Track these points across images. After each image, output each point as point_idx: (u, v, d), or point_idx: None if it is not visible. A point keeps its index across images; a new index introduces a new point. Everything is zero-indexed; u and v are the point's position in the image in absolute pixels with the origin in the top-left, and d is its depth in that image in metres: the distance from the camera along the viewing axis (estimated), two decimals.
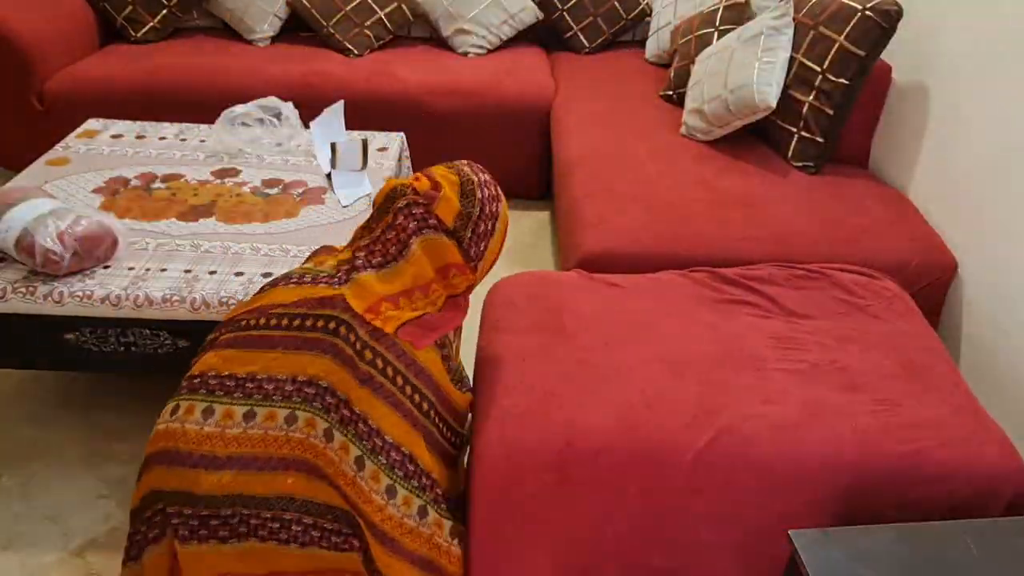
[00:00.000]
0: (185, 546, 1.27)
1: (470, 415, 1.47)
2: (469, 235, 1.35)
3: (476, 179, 1.37)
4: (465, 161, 1.42)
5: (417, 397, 1.31)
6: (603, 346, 1.55)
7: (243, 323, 1.34)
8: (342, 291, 1.31)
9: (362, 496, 1.23)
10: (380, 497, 1.24)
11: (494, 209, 1.38)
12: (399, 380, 1.29)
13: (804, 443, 1.38)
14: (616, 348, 1.55)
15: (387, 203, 1.36)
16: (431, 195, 1.34)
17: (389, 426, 1.26)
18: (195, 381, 1.32)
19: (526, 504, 1.35)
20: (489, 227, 1.38)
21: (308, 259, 1.54)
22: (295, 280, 1.37)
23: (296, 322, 1.30)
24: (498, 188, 1.42)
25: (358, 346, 1.27)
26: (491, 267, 1.43)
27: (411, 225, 1.33)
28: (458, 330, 1.57)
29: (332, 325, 1.27)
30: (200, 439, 1.26)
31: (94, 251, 1.71)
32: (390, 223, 1.35)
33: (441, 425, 1.36)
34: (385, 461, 1.25)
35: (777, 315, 1.69)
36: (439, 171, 1.38)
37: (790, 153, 2.40)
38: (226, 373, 1.30)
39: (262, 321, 1.32)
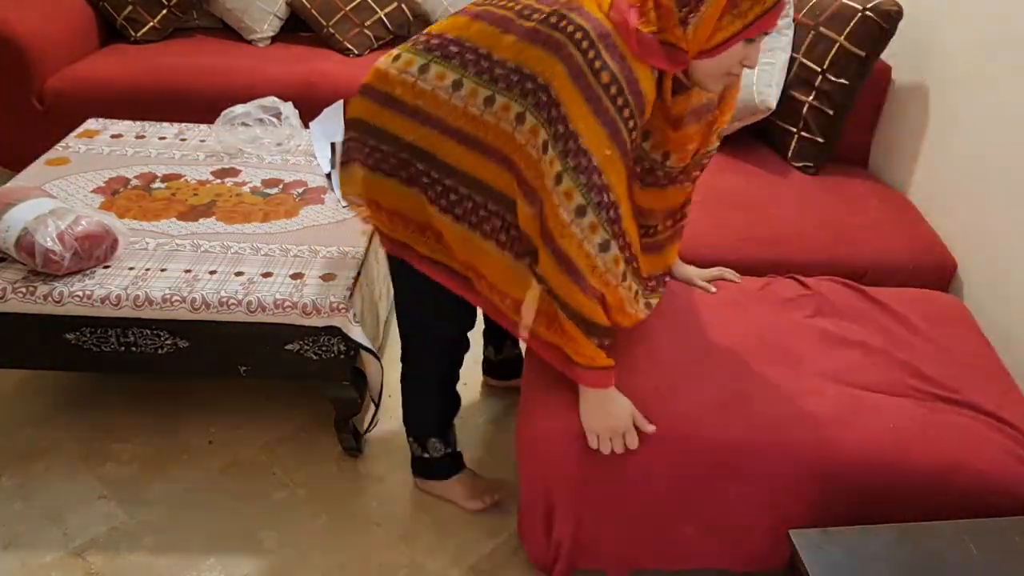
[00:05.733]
0: (373, 174, 1.43)
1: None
2: None
3: None
4: None
5: (621, 102, 1.23)
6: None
7: (493, 1, 1.34)
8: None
9: (551, 206, 1.24)
10: (567, 214, 1.23)
11: None
12: (619, 100, 1.23)
13: (841, 437, 1.39)
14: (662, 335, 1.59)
15: None
16: None
17: (597, 148, 1.22)
18: (422, 38, 1.37)
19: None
20: None
21: None
22: None
23: (541, 14, 1.26)
24: None
25: (596, 64, 1.21)
26: (709, 41, 1.23)
27: None
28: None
29: (570, 28, 1.22)
30: (416, 93, 1.34)
31: (94, 251, 1.71)
32: None
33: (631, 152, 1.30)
34: (585, 182, 1.23)
35: (826, 315, 1.70)
36: None
37: (790, 153, 2.40)
38: (452, 37, 1.33)
39: (510, 4, 1.30)
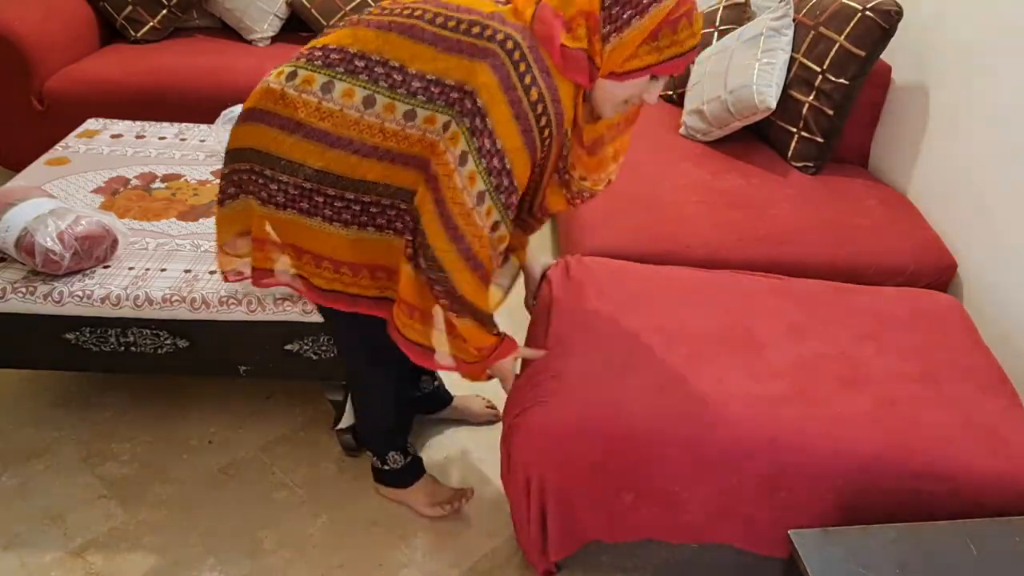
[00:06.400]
0: (264, 208, 1.36)
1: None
2: None
3: None
4: None
5: (544, 121, 1.25)
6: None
7: (394, 9, 1.28)
8: (502, 9, 1.24)
9: (455, 195, 1.24)
10: (470, 199, 1.24)
11: None
12: (543, 118, 1.24)
13: (779, 423, 1.40)
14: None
15: None
16: None
17: (508, 139, 1.22)
18: (316, 52, 1.30)
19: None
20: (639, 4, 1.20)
21: None
22: None
23: (457, 24, 1.23)
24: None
25: (526, 78, 1.21)
26: (623, 65, 1.24)
27: None
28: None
29: (500, 36, 1.21)
30: (321, 114, 1.27)
31: (94, 251, 1.71)
32: None
33: (545, 151, 1.31)
34: (486, 167, 1.23)
35: (804, 310, 1.71)
36: None
37: (790, 153, 2.40)
38: (355, 51, 1.27)
39: (417, 12, 1.25)
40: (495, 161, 1.22)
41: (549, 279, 1.76)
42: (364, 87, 1.25)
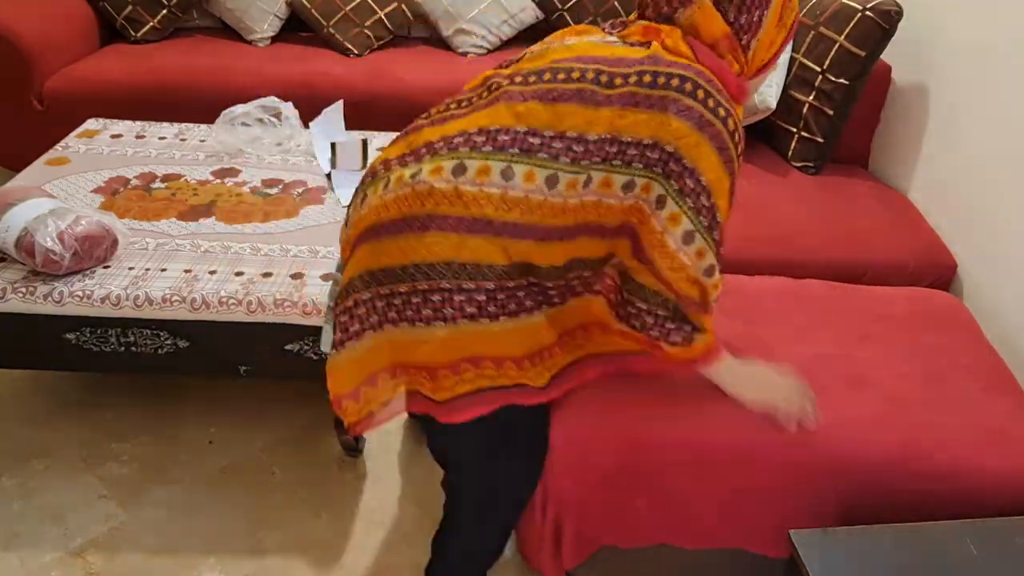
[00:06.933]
0: (433, 328, 1.16)
1: None
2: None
3: None
4: None
5: (740, 148, 1.26)
6: None
7: (543, 74, 1.17)
8: (656, 51, 1.16)
9: (653, 239, 1.18)
10: (673, 241, 1.17)
11: None
12: (736, 136, 1.20)
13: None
14: None
15: None
16: None
17: (710, 171, 1.17)
18: (477, 138, 1.16)
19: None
20: None
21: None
22: (589, 37, 1.22)
23: (625, 79, 1.14)
24: None
25: (720, 111, 1.15)
26: (764, 58, 1.25)
27: None
28: None
29: (675, 82, 1.13)
30: (507, 204, 1.14)
31: (94, 251, 1.71)
32: None
33: None
34: (692, 205, 1.17)
35: (807, 310, 1.71)
36: None
37: (790, 153, 2.40)
38: (526, 128, 1.15)
39: (576, 74, 1.15)
40: (702, 199, 1.17)
41: None
42: (544, 166, 1.14)
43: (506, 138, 1.15)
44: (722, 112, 1.16)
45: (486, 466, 1.33)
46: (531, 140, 1.14)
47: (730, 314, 1.67)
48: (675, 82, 1.14)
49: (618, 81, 1.14)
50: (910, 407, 1.45)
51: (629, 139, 1.14)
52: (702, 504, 1.44)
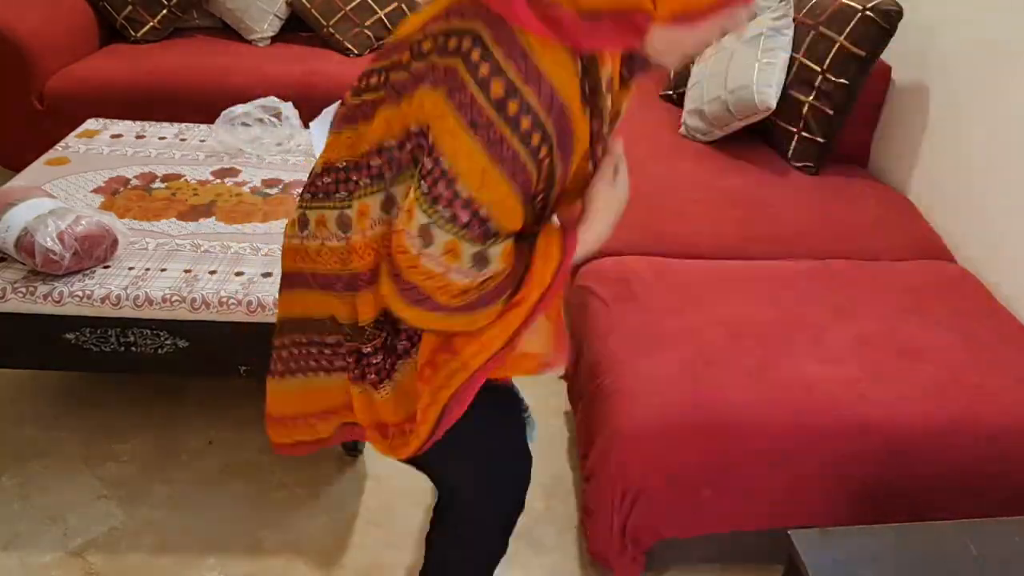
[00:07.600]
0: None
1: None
2: None
3: None
4: None
5: (528, 123, 0.92)
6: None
7: (363, 84, 1.05)
8: (430, 10, 0.98)
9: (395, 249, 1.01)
10: (413, 245, 0.97)
11: None
12: (510, 104, 0.91)
13: (874, 401, 1.49)
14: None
15: None
16: None
17: (458, 157, 0.93)
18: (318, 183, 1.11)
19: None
20: None
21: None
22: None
23: (426, 45, 0.95)
24: None
25: (484, 70, 0.90)
26: (690, 7, 0.91)
27: None
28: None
29: (465, 43, 0.91)
30: (317, 255, 1.12)
31: (94, 251, 1.71)
32: None
33: (545, 160, 0.97)
34: (425, 193, 0.96)
35: (837, 289, 1.79)
36: None
37: (790, 153, 2.40)
38: (322, 166, 1.10)
39: (360, 84, 1.06)
40: (440, 187, 0.94)
41: (589, 287, 1.82)
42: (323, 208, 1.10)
43: (326, 180, 1.09)
44: (484, 72, 0.90)
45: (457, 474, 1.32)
46: (325, 179, 1.10)
47: (767, 299, 1.71)
48: (426, 47, 0.96)
49: (374, 81, 1.03)
50: (966, 374, 1.54)
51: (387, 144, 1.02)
52: (766, 491, 1.49)
